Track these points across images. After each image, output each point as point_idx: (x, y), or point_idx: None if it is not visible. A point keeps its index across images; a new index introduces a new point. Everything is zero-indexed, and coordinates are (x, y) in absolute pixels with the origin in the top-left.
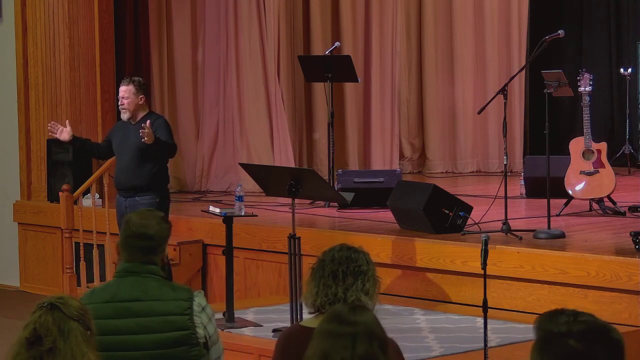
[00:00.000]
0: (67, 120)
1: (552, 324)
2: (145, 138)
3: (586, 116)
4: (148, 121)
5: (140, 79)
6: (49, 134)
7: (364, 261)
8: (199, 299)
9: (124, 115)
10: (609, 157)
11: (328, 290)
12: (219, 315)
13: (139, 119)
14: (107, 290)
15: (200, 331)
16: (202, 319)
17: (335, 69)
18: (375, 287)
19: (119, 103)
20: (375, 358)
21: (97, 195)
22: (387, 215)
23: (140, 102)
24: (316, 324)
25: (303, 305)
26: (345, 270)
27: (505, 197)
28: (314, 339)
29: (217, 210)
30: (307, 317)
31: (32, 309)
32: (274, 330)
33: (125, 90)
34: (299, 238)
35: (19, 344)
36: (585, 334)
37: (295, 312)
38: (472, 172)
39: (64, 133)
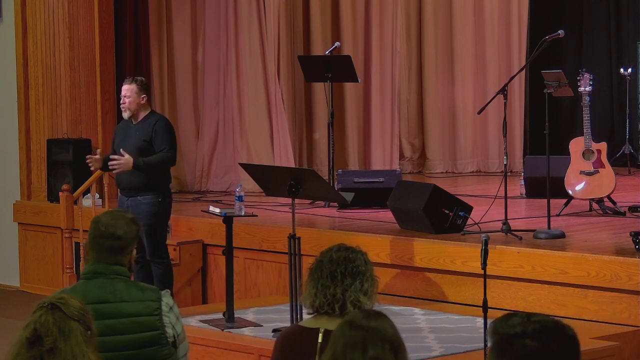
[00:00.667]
0: (98, 150)
1: (507, 326)
2: (121, 168)
3: (586, 116)
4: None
5: (143, 78)
6: (90, 169)
7: (362, 261)
8: (166, 299)
9: (125, 114)
10: (609, 157)
11: (327, 291)
12: (219, 315)
13: (140, 118)
14: (75, 292)
15: (169, 330)
16: (171, 318)
17: (335, 69)
18: (373, 287)
19: (121, 102)
20: None
21: (97, 195)
22: (387, 215)
23: (142, 102)
24: (315, 324)
25: (302, 305)
26: (344, 271)
27: (505, 197)
28: (328, 346)
29: (217, 210)
30: (307, 317)
31: (32, 309)
32: (274, 330)
33: (127, 89)
34: (299, 238)
35: (19, 343)
36: (540, 332)
37: (295, 312)
38: (472, 172)
39: (97, 162)
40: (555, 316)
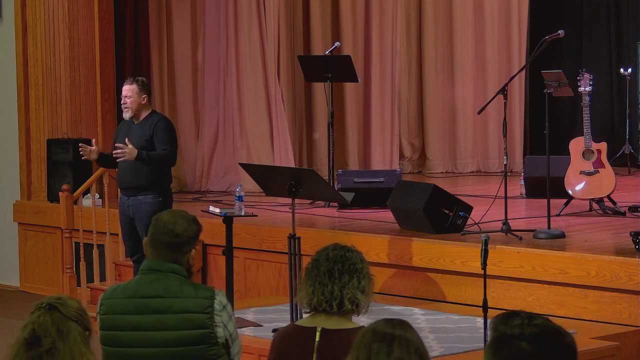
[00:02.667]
0: (93, 140)
1: (507, 326)
2: (125, 157)
3: (586, 116)
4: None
5: (144, 79)
6: (82, 157)
7: (358, 259)
8: (220, 298)
9: (126, 114)
10: (609, 157)
11: (324, 288)
12: None
13: (142, 118)
14: (129, 287)
15: (220, 330)
16: (223, 318)
17: (335, 69)
18: (370, 285)
19: (122, 102)
20: None
21: (97, 195)
22: (387, 215)
23: (143, 102)
24: (312, 323)
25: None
26: (341, 269)
27: (505, 197)
28: (351, 350)
29: (217, 210)
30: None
31: (31, 310)
32: (274, 330)
33: (128, 90)
34: (299, 238)
35: (17, 344)
36: (537, 337)
37: (295, 312)
38: (472, 172)
39: (92, 153)
40: (555, 316)
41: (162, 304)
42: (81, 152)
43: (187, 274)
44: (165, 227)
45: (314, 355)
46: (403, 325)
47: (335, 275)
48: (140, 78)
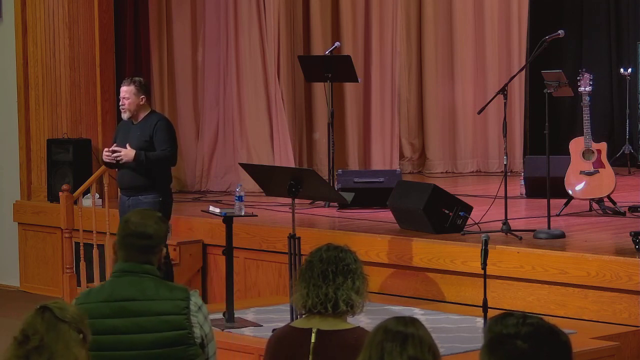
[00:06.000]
0: (114, 145)
1: (501, 326)
2: (123, 158)
3: (586, 116)
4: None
5: (142, 79)
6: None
7: (352, 260)
8: (195, 299)
9: (125, 115)
10: (609, 157)
11: (319, 290)
12: (219, 315)
13: (140, 118)
14: (104, 290)
15: (196, 331)
16: (199, 319)
17: (335, 69)
18: (364, 285)
19: (120, 103)
20: None
21: (97, 195)
22: (387, 215)
23: (141, 103)
24: (307, 324)
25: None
26: (335, 270)
27: (505, 197)
28: (363, 349)
29: (217, 210)
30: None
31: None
32: (274, 330)
33: (126, 91)
34: (299, 238)
35: (9, 345)
36: (532, 335)
37: (295, 312)
38: (472, 172)
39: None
40: (555, 316)
41: (138, 307)
42: (107, 158)
43: (159, 274)
44: (137, 229)
45: (310, 357)
46: (415, 323)
47: (330, 277)
48: (137, 79)
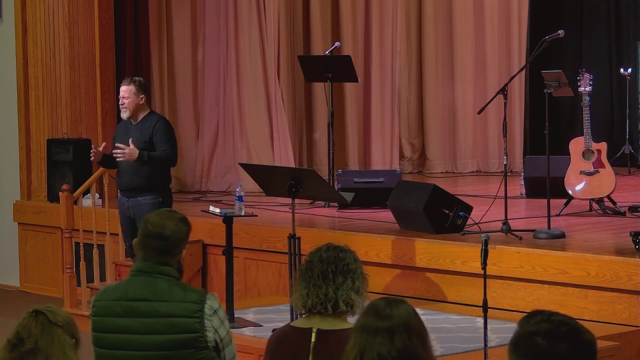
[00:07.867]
0: (104, 144)
1: (526, 323)
2: (126, 157)
3: (586, 116)
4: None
5: (141, 79)
6: (90, 158)
7: (351, 259)
8: (210, 302)
9: (124, 115)
10: (609, 157)
11: (319, 290)
12: None
13: (140, 118)
14: (119, 289)
15: (210, 334)
16: (214, 322)
17: (335, 69)
18: (364, 285)
19: (120, 103)
20: (414, 351)
21: (97, 195)
22: (387, 215)
23: (141, 102)
24: (307, 324)
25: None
26: (335, 270)
27: (505, 197)
28: (353, 334)
29: (217, 210)
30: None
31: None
32: (274, 330)
33: (125, 90)
34: (299, 238)
35: (3, 347)
36: (551, 332)
37: (295, 312)
38: (472, 172)
39: (98, 154)
40: None
41: (148, 308)
42: (92, 153)
43: (178, 275)
44: (154, 230)
45: (310, 356)
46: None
47: (329, 277)
48: (137, 78)
